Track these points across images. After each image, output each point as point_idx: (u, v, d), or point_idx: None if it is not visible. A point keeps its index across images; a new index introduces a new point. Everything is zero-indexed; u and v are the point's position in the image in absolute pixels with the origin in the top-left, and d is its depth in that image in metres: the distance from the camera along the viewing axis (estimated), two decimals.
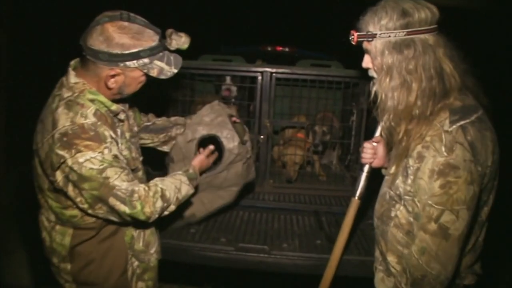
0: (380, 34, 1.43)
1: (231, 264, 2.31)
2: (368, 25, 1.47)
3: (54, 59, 2.76)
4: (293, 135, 3.42)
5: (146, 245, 1.91)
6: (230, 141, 2.30)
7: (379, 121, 1.73)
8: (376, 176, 1.85)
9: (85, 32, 1.56)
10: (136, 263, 1.89)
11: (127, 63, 1.58)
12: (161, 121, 2.27)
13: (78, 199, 1.59)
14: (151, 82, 1.75)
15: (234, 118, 2.38)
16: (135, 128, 1.99)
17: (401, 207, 1.53)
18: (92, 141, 1.51)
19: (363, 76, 2.88)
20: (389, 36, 1.42)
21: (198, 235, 2.41)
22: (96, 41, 1.53)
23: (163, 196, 1.66)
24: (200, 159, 2.04)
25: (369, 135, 2.97)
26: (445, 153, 1.31)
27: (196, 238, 2.37)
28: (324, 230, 2.53)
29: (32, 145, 1.66)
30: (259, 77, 2.93)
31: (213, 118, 2.33)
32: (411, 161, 1.43)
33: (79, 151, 1.49)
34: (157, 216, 1.65)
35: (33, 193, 1.76)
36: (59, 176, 1.55)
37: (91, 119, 1.55)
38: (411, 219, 1.46)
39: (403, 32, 1.40)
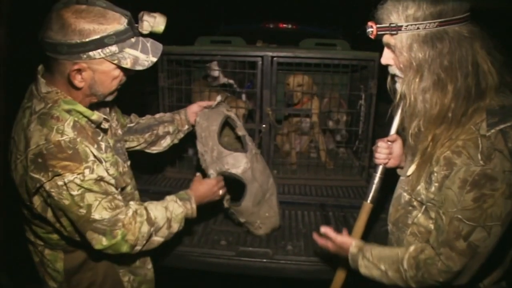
0: (407, 26, 1.20)
1: (232, 270, 2.16)
2: (391, 15, 1.23)
3: None
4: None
5: (142, 261, 1.77)
6: (235, 166, 2.09)
7: (394, 117, 1.57)
8: (390, 176, 1.68)
9: (42, 25, 1.32)
10: (132, 277, 1.75)
11: (91, 53, 1.31)
12: (145, 119, 2.04)
13: (58, 225, 1.43)
14: (135, 78, 1.51)
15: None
16: (119, 131, 1.78)
17: (420, 214, 1.37)
18: (71, 161, 1.31)
19: (372, 59, 2.71)
20: (418, 28, 1.19)
21: (196, 237, 2.26)
22: (52, 32, 1.28)
23: (149, 220, 1.48)
24: (197, 180, 1.84)
25: (378, 120, 2.84)
26: (481, 162, 1.13)
27: (194, 242, 2.22)
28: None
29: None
30: (259, 62, 2.71)
31: (219, 115, 2.12)
32: (436, 168, 1.24)
33: (57, 174, 1.30)
34: (144, 243, 1.48)
35: None
36: (36, 201, 1.39)
37: (68, 135, 1.33)
38: (431, 227, 1.31)
39: (434, 22, 1.17)
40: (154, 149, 2.06)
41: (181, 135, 2.11)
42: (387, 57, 1.33)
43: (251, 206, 2.12)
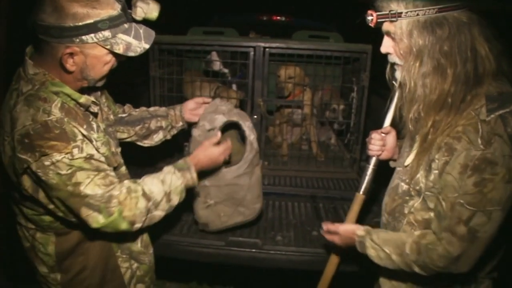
0: (407, 12, 1.22)
1: (221, 260, 2.15)
2: (390, 3, 1.25)
3: None
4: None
5: (145, 245, 1.74)
6: (252, 132, 2.03)
7: (389, 109, 1.58)
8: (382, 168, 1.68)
9: (34, 7, 1.30)
10: (135, 264, 1.73)
11: (84, 37, 1.29)
12: (138, 111, 1.99)
13: (51, 206, 1.41)
14: (125, 64, 1.49)
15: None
16: (111, 116, 1.76)
17: (417, 204, 1.38)
18: (58, 140, 1.29)
19: (364, 51, 2.70)
20: (418, 15, 1.21)
21: (186, 227, 2.25)
22: (44, 15, 1.25)
23: (144, 194, 1.45)
24: (203, 146, 1.76)
25: (370, 114, 2.84)
26: (481, 146, 1.14)
27: (184, 231, 2.21)
28: (322, 220, 2.36)
29: None
30: (251, 53, 2.69)
31: (230, 108, 2.04)
32: (437, 155, 1.25)
33: (44, 154, 1.28)
34: (144, 219, 1.46)
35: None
36: (26, 182, 1.36)
37: (55, 115, 1.31)
38: (430, 216, 1.33)
39: (434, 9, 1.19)
40: (146, 143, 2.01)
41: (174, 131, 2.06)
42: (387, 46, 1.34)
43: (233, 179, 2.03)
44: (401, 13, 1.22)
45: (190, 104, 2.04)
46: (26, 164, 1.30)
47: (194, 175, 1.65)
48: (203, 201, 2.02)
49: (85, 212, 1.35)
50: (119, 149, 1.72)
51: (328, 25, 4.70)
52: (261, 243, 2.12)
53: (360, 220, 1.73)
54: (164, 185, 1.53)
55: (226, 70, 3.25)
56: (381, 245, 1.41)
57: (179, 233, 2.19)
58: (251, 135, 2.02)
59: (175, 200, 1.57)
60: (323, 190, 2.74)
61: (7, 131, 1.34)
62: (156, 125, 1.97)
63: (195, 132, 1.99)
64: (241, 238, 2.15)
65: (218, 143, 1.80)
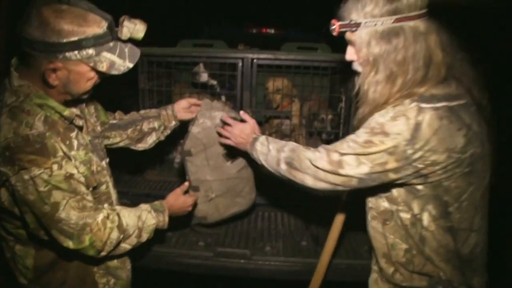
0: (365, 22, 1.27)
1: (210, 271, 2.15)
2: (351, 13, 1.30)
3: None
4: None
5: (122, 261, 1.72)
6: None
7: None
8: None
9: (21, 18, 1.30)
10: (112, 280, 1.70)
11: (67, 54, 1.30)
12: (129, 116, 2.00)
13: (23, 221, 1.40)
14: (108, 79, 1.50)
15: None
16: (98, 128, 1.76)
17: (373, 198, 1.47)
18: (38, 155, 1.29)
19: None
20: (375, 25, 1.26)
21: (174, 239, 2.24)
22: (30, 29, 1.26)
23: (119, 226, 1.46)
24: (174, 194, 1.78)
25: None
26: (387, 118, 1.25)
27: (172, 243, 2.20)
28: (310, 230, 2.36)
29: None
30: (239, 64, 2.71)
31: (223, 105, 2.08)
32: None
33: (23, 168, 1.27)
34: (111, 249, 1.46)
35: None
36: (3, 195, 1.36)
37: (38, 129, 1.32)
38: (386, 205, 1.42)
39: (391, 19, 1.24)
40: (140, 146, 2.02)
41: (168, 131, 2.07)
42: (350, 53, 1.39)
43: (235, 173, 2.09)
44: (360, 23, 1.28)
45: (182, 102, 2.06)
46: (5, 176, 1.30)
47: (167, 219, 1.68)
48: (205, 195, 2.02)
49: (56, 234, 1.36)
50: (106, 160, 1.72)
51: (318, 37, 4.74)
52: (250, 253, 2.13)
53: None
54: (139, 221, 1.55)
55: (214, 82, 3.26)
56: (268, 143, 1.59)
57: (168, 245, 2.19)
58: None
59: (144, 237, 1.58)
60: (312, 199, 2.73)
61: None
62: (148, 127, 1.98)
63: (194, 129, 1.98)
64: (230, 249, 2.16)
65: (187, 191, 1.85)
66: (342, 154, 1.33)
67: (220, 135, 1.88)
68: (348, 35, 1.34)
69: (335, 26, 1.32)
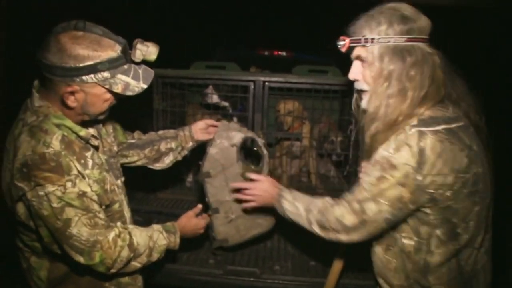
0: (379, 38, 1.35)
1: None
2: (364, 30, 1.39)
3: None
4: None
5: (133, 277, 1.76)
6: (264, 147, 2.14)
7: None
8: None
9: (40, 45, 1.40)
10: None
11: (84, 77, 1.39)
12: (147, 136, 2.08)
13: (38, 235, 1.47)
14: (125, 100, 1.58)
15: None
16: (115, 148, 1.83)
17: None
18: (53, 172, 1.36)
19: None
20: (389, 42, 1.34)
21: (185, 256, 2.28)
22: (49, 55, 1.36)
23: (130, 245, 1.51)
24: (187, 216, 1.84)
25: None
26: (391, 151, 1.32)
27: (183, 260, 2.24)
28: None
29: None
30: (251, 86, 2.78)
31: (240, 127, 2.15)
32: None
33: (39, 184, 1.35)
34: (121, 267, 1.51)
35: None
36: (20, 209, 1.44)
37: (54, 148, 1.39)
38: (390, 231, 1.46)
39: (403, 38, 1.33)
40: (158, 166, 2.09)
41: (185, 152, 2.13)
42: (355, 72, 1.46)
43: None
44: (374, 39, 1.35)
45: (200, 124, 2.13)
46: (22, 191, 1.37)
47: (178, 240, 1.73)
48: (224, 217, 2.05)
49: (67, 249, 1.42)
50: (121, 179, 1.79)
51: (328, 60, 4.82)
52: (259, 272, 2.16)
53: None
54: (150, 241, 1.60)
55: (226, 104, 3.33)
56: (294, 201, 1.63)
57: (179, 262, 2.23)
58: (264, 150, 2.12)
59: (155, 257, 1.63)
60: None
61: (10, 159, 1.42)
62: (166, 147, 2.05)
63: (212, 150, 2.03)
64: (240, 267, 2.19)
65: (199, 213, 1.91)
66: (361, 201, 1.39)
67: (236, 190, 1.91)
68: (358, 51, 1.42)
69: (346, 42, 1.41)
